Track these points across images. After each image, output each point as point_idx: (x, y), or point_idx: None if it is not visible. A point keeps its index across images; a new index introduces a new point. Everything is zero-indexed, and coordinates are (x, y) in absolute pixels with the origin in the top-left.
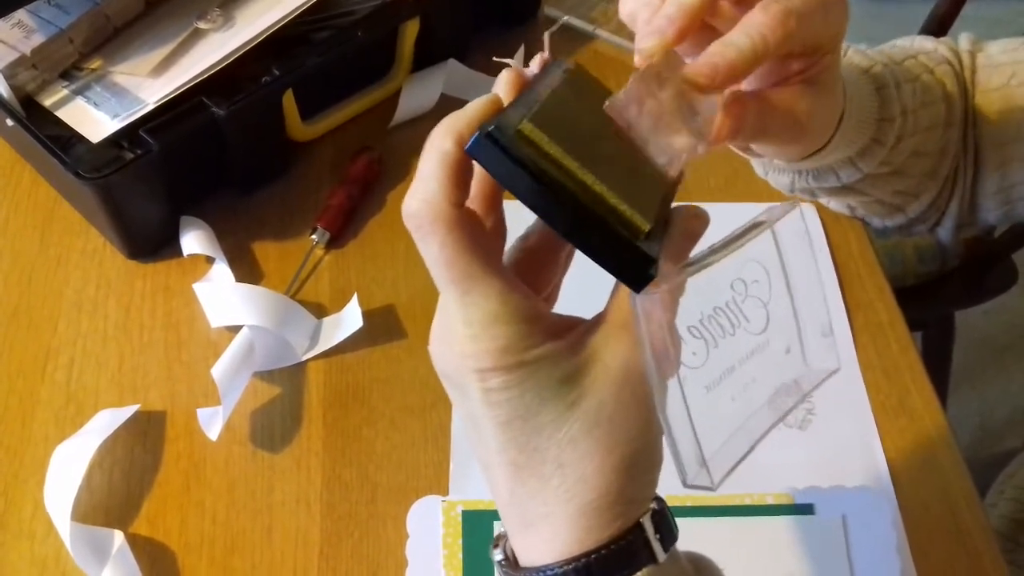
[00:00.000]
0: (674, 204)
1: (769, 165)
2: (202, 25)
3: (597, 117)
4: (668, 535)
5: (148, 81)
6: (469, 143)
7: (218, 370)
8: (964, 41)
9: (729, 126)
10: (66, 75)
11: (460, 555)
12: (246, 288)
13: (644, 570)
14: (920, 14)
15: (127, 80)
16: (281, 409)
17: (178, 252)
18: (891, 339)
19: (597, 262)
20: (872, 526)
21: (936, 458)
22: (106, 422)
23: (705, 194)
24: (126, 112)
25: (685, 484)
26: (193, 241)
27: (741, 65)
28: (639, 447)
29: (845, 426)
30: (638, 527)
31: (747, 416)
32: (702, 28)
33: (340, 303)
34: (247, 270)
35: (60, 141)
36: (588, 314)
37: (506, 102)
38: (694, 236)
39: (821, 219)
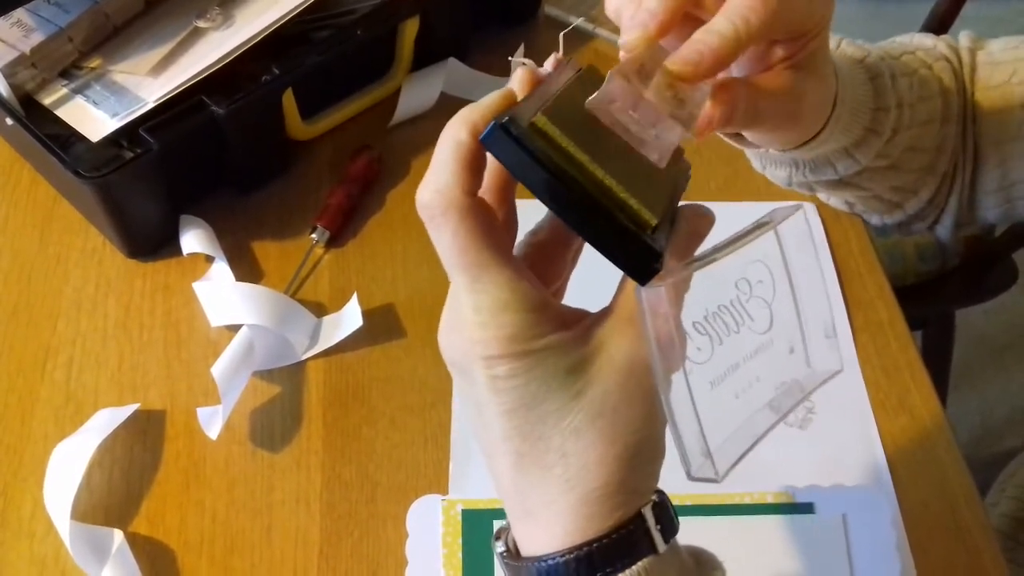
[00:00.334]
0: (681, 203)
1: (766, 158)
2: (202, 24)
3: None
4: (669, 526)
5: (148, 80)
6: (484, 133)
7: (218, 369)
8: (964, 39)
9: (721, 112)
10: (65, 74)
11: (460, 554)
12: (246, 287)
13: (644, 560)
14: (920, 13)
15: (127, 79)
16: (281, 408)
17: (178, 251)
18: (891, 338)
19: (604, 254)
20: (872, 525)
21: (936, 457)
22: (106, 421)
23: (705, 194)
24: (126, 111)
25: (689, 476)
26: (193, 240)
27: (725, 52)
28: (642, 438)
29: (845, 425)
30: (639, 517)
31: (750, 413)
32: (687, 19)
33: (340, 302)
34: (247, 269)
35: (59, 140)
36: (594, 310)
37: (520, 97)
38: (699, 234)
39: (821, 217)
